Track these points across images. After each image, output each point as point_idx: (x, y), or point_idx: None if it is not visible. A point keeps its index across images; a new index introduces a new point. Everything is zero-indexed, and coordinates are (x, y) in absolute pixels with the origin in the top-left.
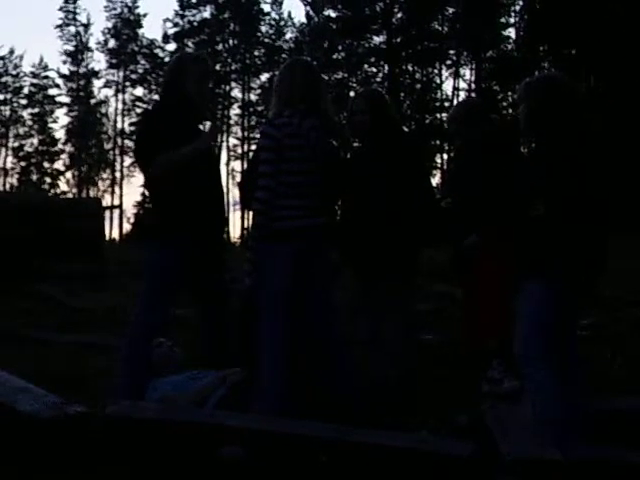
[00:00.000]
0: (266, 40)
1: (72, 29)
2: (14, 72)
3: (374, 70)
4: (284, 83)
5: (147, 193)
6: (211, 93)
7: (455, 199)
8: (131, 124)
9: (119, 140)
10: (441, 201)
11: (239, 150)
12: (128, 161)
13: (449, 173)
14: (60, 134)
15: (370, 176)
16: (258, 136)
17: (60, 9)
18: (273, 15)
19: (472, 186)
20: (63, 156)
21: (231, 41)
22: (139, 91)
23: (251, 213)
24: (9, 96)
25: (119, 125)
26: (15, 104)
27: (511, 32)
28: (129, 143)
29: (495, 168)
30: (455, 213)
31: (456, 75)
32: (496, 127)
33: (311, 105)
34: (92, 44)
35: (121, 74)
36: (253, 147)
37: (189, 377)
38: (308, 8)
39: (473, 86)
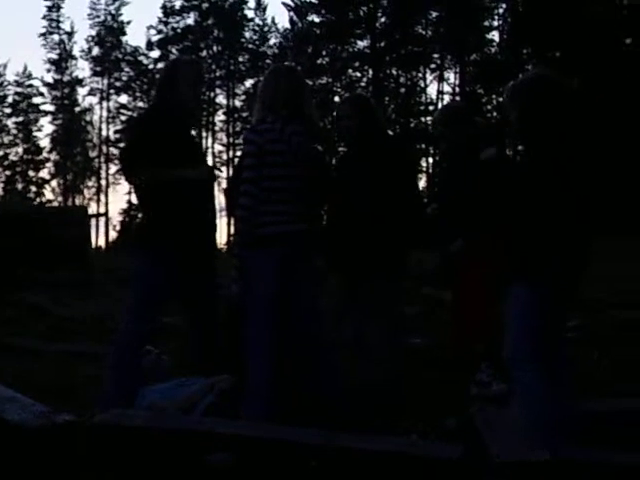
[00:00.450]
0: (250, 46)
1: (56, 37)
2: None
3: (358, 75)
4: (268, 89)
5: (135, 201)
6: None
7: (441, 203)
8: (116, 131)
9: (104, 148)
10: (427, 207)
11: (224, 156)
12: (113, 169)
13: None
14: (45, 142)
15: (356, 179)
16: (242, 142)
17: (44, 17)
18: (257, 21)
19: (457, 190)
20: (48, 164)
21: (215, 47)
22: (123, 98)
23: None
24: None
25: (104, 133)
26: None
27: (495, 35)
28: (114, 151)
29: (478, 171)
30: (441, 217)
31: (440, 79)
32: (480, 130)
33: (295, 110)
34: (76, 52)
35: (105, 82)
36: (238, 153)
37: (177, 384)
38: (292, 13)
39: (457, 89)
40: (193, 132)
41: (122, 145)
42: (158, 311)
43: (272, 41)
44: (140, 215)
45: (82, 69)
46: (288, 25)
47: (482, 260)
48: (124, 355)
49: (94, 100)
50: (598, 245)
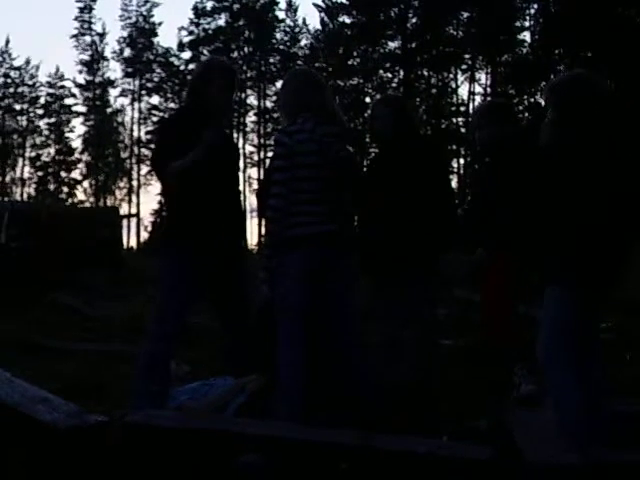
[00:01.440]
0: (281, 47)
1: (87, 39)
2: (30, 82)
3: (389, 75)
4: (287, 94)
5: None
6: (234, 102)
7: (468, 208)
8: (147, 132)
9: (135, 149)
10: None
11: (255, 157)
12: (145, 169)
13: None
14: (77, 143)
15: (390, 179)
16: (273, 144)
17: (75, 19)
18: (288, 22)
19: (488, 196)
20: (80, 165)
21: (246, 48)
22: (155, 100)
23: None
24: (26, 106)
25: (135, 134)
26: (32, 114)
27: (526, 36)
28: (145, 152)
29: (512, 176)
30: (467, 222)
31: (471, 79)
32: (518, 129)
33: (320, 110)
34: (108, 53)
35: (137, 83)
36: (269, 154)
37: (204, 384)
38: (323, 14)
39: (489, 90)
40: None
41: (152, 147)
42: (186, 312)
43: (303, 42)
44: (166, 215)
45: (114, 70)
46: (319, 26)
47: (501, 266)
48: (154, 356)
49: (126, 101)
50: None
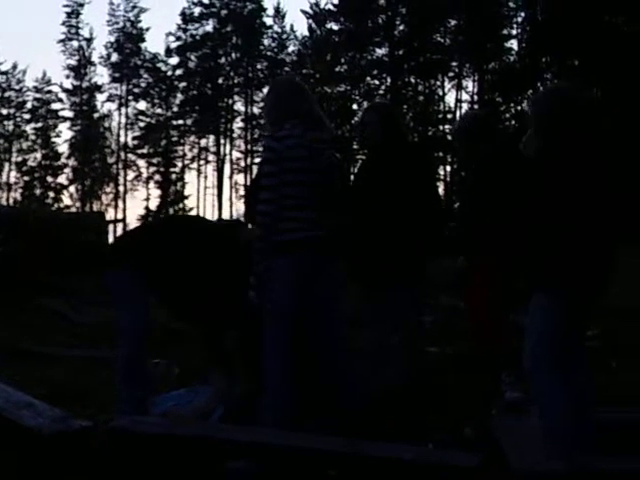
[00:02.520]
0: (268, 53)
1: (75, 43)
2: (17, 87)
3: (377, 82)
4: (274, 102)
5: (152, 207)
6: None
7: (458, 217)
8: (134, 138)
9: (122, 154)
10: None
11: (242, 163)
12: (131, 175)
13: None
14: (63, 148)
15: (378, 186)
16: (261, 149)
17: (63, 24)
18: (275, 28)
19: (473, 203)
20: (66, 170)
21: (233, 54)
22: (142, 105)
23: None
24: (12, 111)
25: (122, 139)
26: (18, 119)
27: (513, 44)
28: (132, 157)
29: (498, 184)
30: (458, 231)
31: (458, 87)
32: (499, 146)
33: (307, 117)
34: (95, 58)
35: (124, 88)
36: (256, 160)
37: (190, 391)
38: (310, 21)
39: (476, 98)
40: None
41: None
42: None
43: (291, 48)
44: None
45: (101, 75)
46: (307, 33)
47: (484, 273)
48: (129, 360)
49: (113, 106)
50: (621, 254)
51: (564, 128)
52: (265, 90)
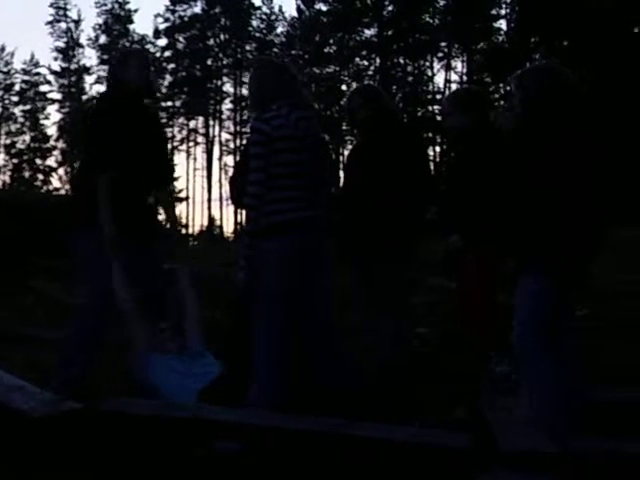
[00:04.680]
0: (257, 34)
1: (63, 25)
2: (5, 69)
3: (365, 63)
4: (258, 83)
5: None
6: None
7: (448, 196)
8: None
9: None
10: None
11: (231, 145)
12: None
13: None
14: (52, 131)
15: (373, 164)
16: (249, 131)
17: (51, 5)
18: (264, 9)
19: (463, 183)
20: (55, 153)
21: (222, 36)
22: None
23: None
24: (0, 93)
25: None
26: (7, 101)
27: (502, 24)
28: None
29: (482, 165)
30: (447, 211)
31: (448, 67)
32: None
33: (292, 97)
34: (83, 40)
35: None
36: (245, 142)
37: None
38: (299, 2)
39: (465, 78)
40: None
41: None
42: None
43: (279, 30)
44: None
45: (89, 57)
46: (295, 14)
47: (479, 254)
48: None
49: (101, 88)
50: (611, 235)
51: (551, 107)
52: None
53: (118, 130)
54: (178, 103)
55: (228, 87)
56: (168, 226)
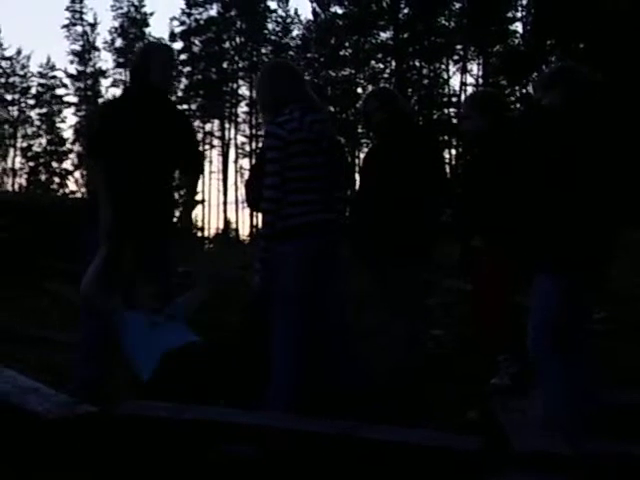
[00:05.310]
0: (273, 37)
1: (79, 29)
2: (22, 72)
3: (381, 66)
4: (269, 88)
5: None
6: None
7: (464, 198)
8: None
9: None
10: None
11: (247, 148)
12: None
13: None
14: (68, 134)
15: (388, 166)
16: (264, 135)
17: (67, 9)
18: (280, 12)
19: (475, 185)
20: (71, 156)
21: (238, 39)
22: None
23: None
24: (17, 96)
25: None
26: (23, 104)
27: (518, 26)
28: None
29: (502, 166)
30: (463, 213)
31: (463, 70)
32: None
33: (303, 100)
34: (99, 43)
35: (128, 73)
36: (261, 145)
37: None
38: (314, 5)
39: (481, 81)
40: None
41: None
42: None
43: (295, 32)
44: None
45: (105, 61)
46: (311, 16)
47: (496, 256)
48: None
49: (117, 92)
50: (626, 237)
51: (571, 105)
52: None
53: (114, 119)
54: (194, 106)
55: (244, 90)
56: (179, 225)
